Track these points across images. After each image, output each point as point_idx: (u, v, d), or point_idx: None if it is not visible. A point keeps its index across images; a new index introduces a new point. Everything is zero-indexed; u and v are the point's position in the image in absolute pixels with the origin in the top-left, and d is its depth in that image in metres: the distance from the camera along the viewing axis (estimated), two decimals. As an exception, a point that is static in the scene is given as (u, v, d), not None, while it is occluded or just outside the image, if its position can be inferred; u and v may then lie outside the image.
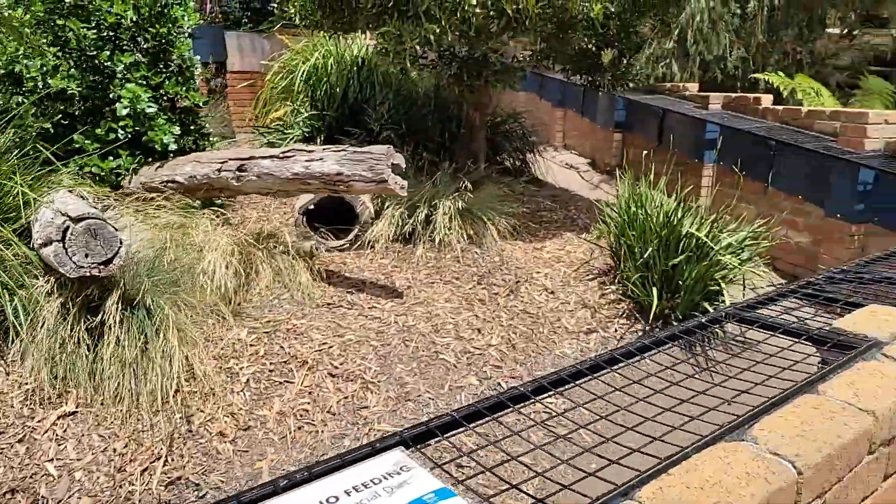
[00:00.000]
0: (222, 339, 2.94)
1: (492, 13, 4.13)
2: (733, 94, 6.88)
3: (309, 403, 2.75)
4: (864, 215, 4.87)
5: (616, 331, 3.91)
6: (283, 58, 8.27)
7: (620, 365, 1.67)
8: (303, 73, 7.48)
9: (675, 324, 4.00)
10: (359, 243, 4.42)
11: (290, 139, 5.95)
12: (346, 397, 2.83)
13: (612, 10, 4.90)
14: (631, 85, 5.97)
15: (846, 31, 11.61)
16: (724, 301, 3.88)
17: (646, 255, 3.93)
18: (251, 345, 3.01)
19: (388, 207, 4.50)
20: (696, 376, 1.62)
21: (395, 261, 4.28)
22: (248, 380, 2.79)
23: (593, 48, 5.64)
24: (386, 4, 4.09)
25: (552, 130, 10.64)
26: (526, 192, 6.42)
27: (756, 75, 7.87)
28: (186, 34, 4.51)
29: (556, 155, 10.19)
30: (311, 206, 4.54)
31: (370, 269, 4.12)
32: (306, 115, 6.10)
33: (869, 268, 2.29)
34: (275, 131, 6.23)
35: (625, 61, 5.88)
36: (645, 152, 8.04)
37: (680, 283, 3.95)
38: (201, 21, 7.94)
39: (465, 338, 3.43)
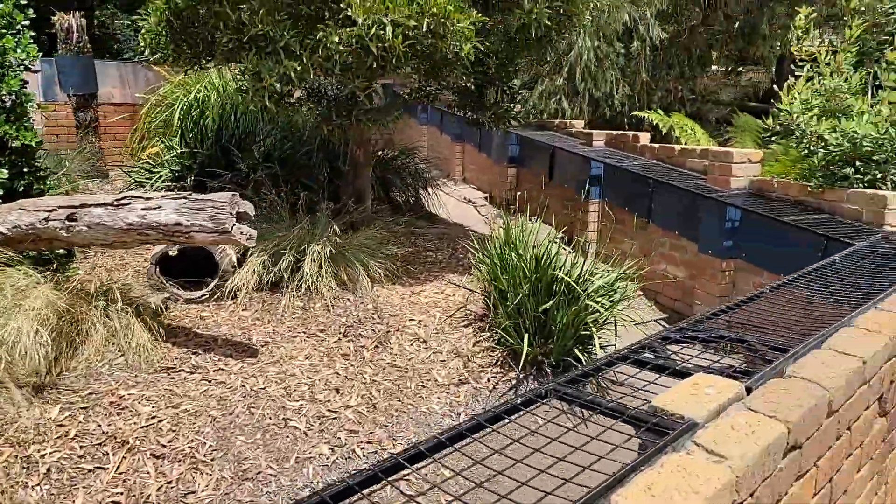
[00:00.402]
0: (18, 420, 2.55)
1: (358, 51, 3.96)
2: (615, 132, 7.04)
3: (122, 494, 2.40)
4: (732, 251, 5.00)
5: (489, 381, 3.76)
6: (163, 90, 7.83)
7: (465, 442, 1.48)
8: (182, 107, 7.09)
9: (548, 370, 3.90)
10: (219, 294, 4.08)
11: (158, 179, 5.54)
12: (169, 482, 2.50)
13: (484, 49, 4.86)
14: (514, 123, 5.97)
15: (730, 68, 12.37)
16: (594, 345, 3.81)
17: (516, 301, 3.82)
18: (61, 425, 2.62)
19: (252, 254, 4.19)
20: (543, 450, 1.45)
21: (257, 312, 3.97)
22: (49, 469, 2.41)
23: (472, 86, 5.59)
24: (241, 39, 3.85)
25: (452, 164, 10.64)
26: (415, 229, 6.27)
27: (637, 113, 8.13)
28: (21, 67, 4.07)
29: (456, 189, 10.16)
30: (172, 254, 4.18)
31: (228, 324, 3.79)
32: (176, 153, 5.71)
33: (705, 324, 2.23)
34: (142, 170, 5.79)
35: (506, 99, 5.88)
36: (537, 187, 8.13)
37: (553, 328, 3.87)
38: (41, 54, 7.36)
39: (321, 400, 3.17)
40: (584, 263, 3.97)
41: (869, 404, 2.04)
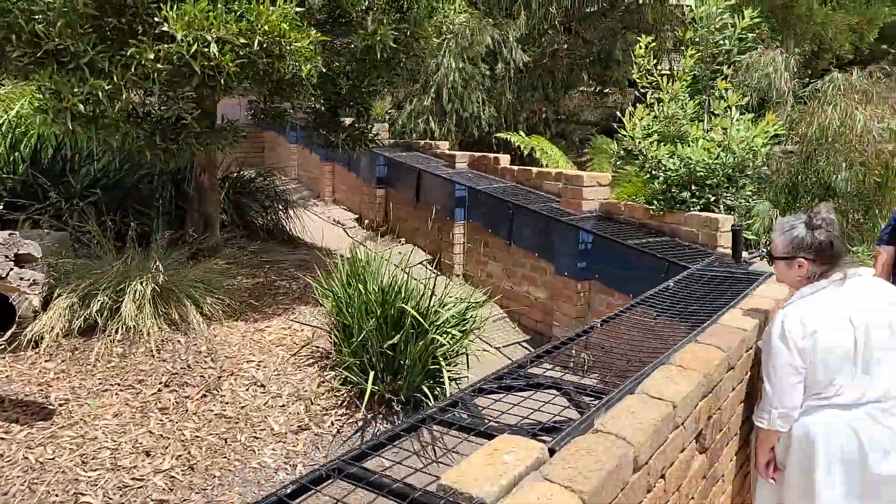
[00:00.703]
0: None
1: (181, 69, 3.60)
2: (477, 154, 7.05)
3: None
4: (586, 273, 5.08)
5: (332, 424, 3.50)
6: (-20, 105, 6.95)
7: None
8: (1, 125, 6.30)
9: (398, 408, 3.70)
10: (17, 343, 3.53)
11: (-42, 208, 4.80)
12: None
13: (333, 70, 4.65)
14: (371, 145, 5.77)
15: (596, 90, 12.90)
16: (444, 379, 3.65)
17: (361, 337, 3.59)
18: None
19: (59, 296, 3.68)
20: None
21: (64, 363, 3.47)
22: None
23: (323, 107, 5.35)
24: (35, 53, 3.37)
25: (322, 185, 10.30)
26: (271, 257, 5.90)
27: (499, 134, 8.21)
28: None
29: (326, 210, 9.83)
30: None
31: (22, 379, 3.27)
32: (-19, 177, 5.00)
33: (528, 368, 2.11)
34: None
35: (363, 120, 5.69)
36: (406, 209, 8.00)
37: (401, 363, 3.67)
38: None
39: (126, 466, 2.77)
40: (431, 295, 3.81)
41: (684, 446, 1.99)
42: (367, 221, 8.81)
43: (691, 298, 3.07)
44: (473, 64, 8.91)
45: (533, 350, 2.61)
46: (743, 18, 5.31)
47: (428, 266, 7.06)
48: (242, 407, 3.40)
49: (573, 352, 2.44)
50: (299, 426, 3.40)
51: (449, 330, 3.87)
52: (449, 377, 3.74)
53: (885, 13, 17.64)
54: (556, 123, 10.48)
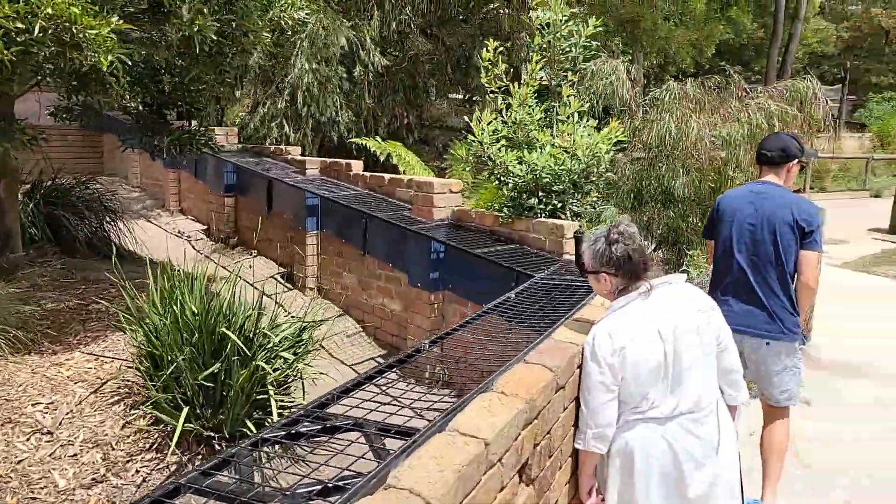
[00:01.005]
0: None
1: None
2: (329, 160, 6.69)
3: None
4: (439, 284, 4.88)
5: (138, 472, 3.00)
6: None
7: None
8: None
9: (221, 446, 3.27)
10: None
11: None
12: None
13: (141, 65, 4.13)
14: (206, 150, 5.25)
15: (466, 97, 12.88)
16: (272, 410, 3.27)
17: (172, 368, 3.12)
18: None
19: None
20: None
21: None
22: None
23: (141, 106, 4.77)
24: None
25: (167, 193, 9.45)
26: (91, 274, 5.18)
27: (354, 140, 7.90)
28: None
29: (171, 221, 9.00)
30: None
31: None
32: None
33: (331, 407, 1.81)
34: None
35: (197, 122, 5.16)
36: (258, 218, 7.43)
37: (225, 395, 3.25)
38: None
39: None
40: (258, 315, 3.42)
41: (504, 485, 1.77)
42: (215, 232, 8.13)
43: (529, 311, 2.91)
44: (329, 66, 8.52)
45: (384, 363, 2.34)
46: (587, 27, 5.37)
47: (279, 280, 6.59)
48: (19, 462, 2.82)
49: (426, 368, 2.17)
50: (93, 479, 2.88)
51: (281, 354, 3.50)
52: (282, 406, 3.38)
53: (721, 31, 19.44)
54: (419, 129, 10.32)
